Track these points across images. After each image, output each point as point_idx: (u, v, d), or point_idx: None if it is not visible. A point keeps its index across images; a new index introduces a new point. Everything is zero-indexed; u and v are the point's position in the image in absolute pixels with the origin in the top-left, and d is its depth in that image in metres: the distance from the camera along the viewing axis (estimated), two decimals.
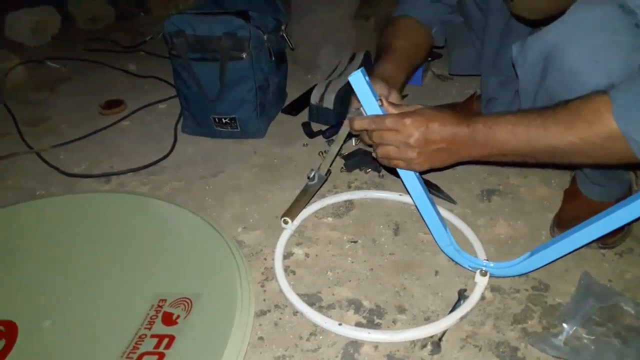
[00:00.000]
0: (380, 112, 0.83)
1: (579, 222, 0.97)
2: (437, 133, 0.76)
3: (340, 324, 0.82)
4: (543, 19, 0.85)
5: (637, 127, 0.63)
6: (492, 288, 0.89)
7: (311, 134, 1.38)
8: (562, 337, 0.77)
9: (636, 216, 0.72)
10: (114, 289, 0.92)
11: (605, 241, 0.93)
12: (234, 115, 1.35)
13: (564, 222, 0.98)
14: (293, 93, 1.59)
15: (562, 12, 0.77)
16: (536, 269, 0.87)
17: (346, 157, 1.25)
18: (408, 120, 0.77)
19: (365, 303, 0.88)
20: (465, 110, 1.35)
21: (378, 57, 1.05)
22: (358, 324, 0.84)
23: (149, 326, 0.82)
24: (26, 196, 1.21)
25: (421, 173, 0.87)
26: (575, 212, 0.98)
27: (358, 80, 0.80)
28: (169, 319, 0.83)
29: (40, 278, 0.95)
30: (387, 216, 1.08)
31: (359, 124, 0.83)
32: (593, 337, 0.77)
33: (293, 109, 1.52)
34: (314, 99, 1.42)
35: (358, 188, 1.17)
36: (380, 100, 0.83)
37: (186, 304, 0.85)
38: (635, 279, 0.89)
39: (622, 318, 0.79)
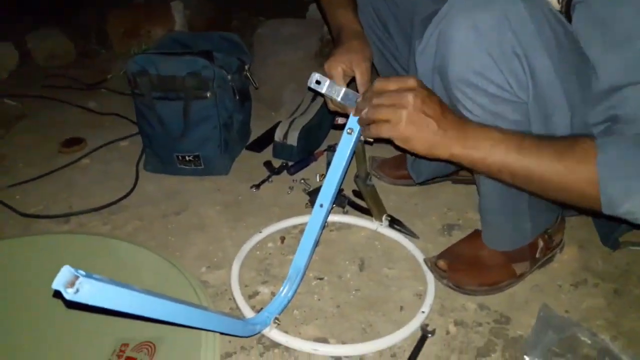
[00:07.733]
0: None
1: (458, 261, 1.00)
2: (435, 100, 0.74)
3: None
4: None
5: (613, 181, 0.66)
6: (456, 322, 0.91)
7: (277, 171, 1.39)
8: None
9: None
10: (74, 335, 0.89)
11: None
12: (197, 153, 1.35)
13: (445, 255, 1.02)
14: (257, 130, 1.61)
15: None
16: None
17: (311, 193, 1.26)
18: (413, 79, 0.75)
19: (332, 341, 0.88)
20: None
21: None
22: None
23: None
24: None
25: (389, 142, 0.82)
26: (459, 250, 1.03)
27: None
28: None
29: None
30: (352, 251, 1.09)
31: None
32: None
33: (257, 146, 1.54)
34: (278, 136, 1.44)
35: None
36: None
37: (149, 348, 0.83)
38: (590, 309, 0.93)
39: (579, 348, 0.82)
